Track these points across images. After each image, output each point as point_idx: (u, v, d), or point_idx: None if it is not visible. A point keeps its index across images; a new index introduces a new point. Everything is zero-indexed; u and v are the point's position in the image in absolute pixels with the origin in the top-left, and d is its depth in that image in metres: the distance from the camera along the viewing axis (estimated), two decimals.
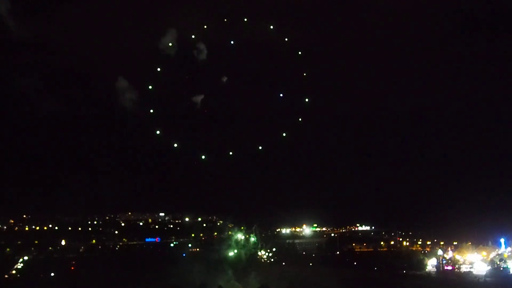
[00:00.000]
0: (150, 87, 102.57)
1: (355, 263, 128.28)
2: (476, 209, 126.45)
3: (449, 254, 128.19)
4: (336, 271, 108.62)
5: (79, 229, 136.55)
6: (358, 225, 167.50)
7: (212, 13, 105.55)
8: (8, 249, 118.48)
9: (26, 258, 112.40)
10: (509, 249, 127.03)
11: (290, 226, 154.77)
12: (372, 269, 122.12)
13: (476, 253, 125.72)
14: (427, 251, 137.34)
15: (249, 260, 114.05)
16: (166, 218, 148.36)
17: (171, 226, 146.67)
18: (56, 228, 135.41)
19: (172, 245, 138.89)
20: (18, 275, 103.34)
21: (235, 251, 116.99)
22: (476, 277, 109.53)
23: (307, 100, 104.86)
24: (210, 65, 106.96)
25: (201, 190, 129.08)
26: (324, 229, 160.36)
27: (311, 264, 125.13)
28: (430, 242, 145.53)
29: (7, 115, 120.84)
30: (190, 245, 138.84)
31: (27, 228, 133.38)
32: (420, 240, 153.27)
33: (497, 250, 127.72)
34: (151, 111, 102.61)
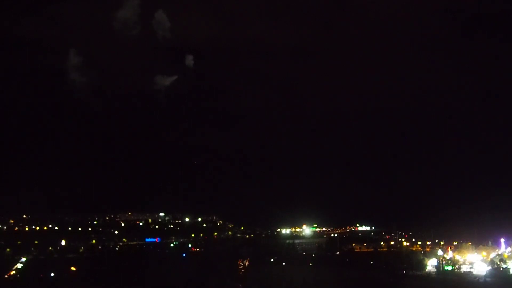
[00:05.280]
0: None
1: (355, 263, 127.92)
2: (476, 209, 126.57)
3: (449, 254, 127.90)
4: (336, 271, 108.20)
5: (79, 229, 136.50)
6: (358, 225, 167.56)
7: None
8: (8, 249, 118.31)
9: (26, 258, 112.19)
10: (509, 249, 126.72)
11: (290, 226, 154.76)
12: (372, 269, 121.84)
13: (476, 253, 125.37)
14: (427, 251, 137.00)
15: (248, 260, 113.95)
16: (166, 218, 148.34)
17: (171, 226, 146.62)
18: (56, 228, 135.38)
19: (172, 245, 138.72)
20: (18, 275, 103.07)
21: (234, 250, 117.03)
22: (476, 277, 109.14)
23: None
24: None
25: (201, 190, 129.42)
26: (324, 229, 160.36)
27: (311, 264, 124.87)
28: (430, 242, 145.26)
29: (7, 115, 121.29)
30: (190, 245, 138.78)
31: (27, 228, 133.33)
32: (420, 240, 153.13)
33: (497, 250, 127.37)
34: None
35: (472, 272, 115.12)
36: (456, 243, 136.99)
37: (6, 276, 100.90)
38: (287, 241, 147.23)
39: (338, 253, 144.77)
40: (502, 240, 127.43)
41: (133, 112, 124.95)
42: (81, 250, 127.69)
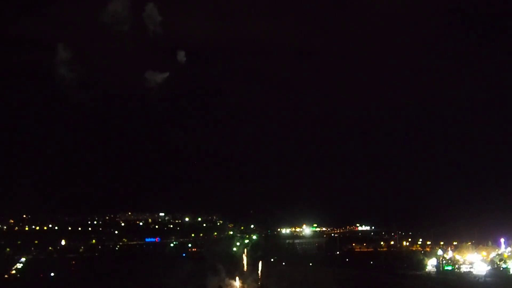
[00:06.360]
0: None
1: (355, 263, 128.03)
2: (476, 209, 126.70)
3: (449, 254, 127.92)
4: (336, 271, 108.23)
5: (79, 229, 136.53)
6: (358, 225, 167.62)
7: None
8: (8, 249, 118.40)
9: (26, 258, 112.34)
10: (509, 249, 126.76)
11: (290, 226, 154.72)
12: (372, 269, 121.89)
13: (476, 253, 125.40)
14: (427, 251, 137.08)
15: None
16: (166, 218, 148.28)
17: (171, 226, 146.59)
18: (56, 228, 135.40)
19: (172, 245, 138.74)
20: (18, 275, 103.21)
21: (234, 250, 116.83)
22: (476, 277, 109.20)
23: None
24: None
25: (201, 190, 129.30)
26: (324, 229, 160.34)
27: (311, 264, 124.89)
28: (430, 242, 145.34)
29: (7, 115, 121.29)
30: (190, 245, 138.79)
31: (27, 228, 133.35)
32: (420, 240, 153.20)
33: (497, 250, 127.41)
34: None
35: (472, 272, 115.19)
36: (456, 243, 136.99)
37: (6, 276, 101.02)
38: (287, 241, 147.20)
39: (338, 253, 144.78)
40: (502, 240, 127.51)
41: (134, 111, 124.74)
42: (81, 250, 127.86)
